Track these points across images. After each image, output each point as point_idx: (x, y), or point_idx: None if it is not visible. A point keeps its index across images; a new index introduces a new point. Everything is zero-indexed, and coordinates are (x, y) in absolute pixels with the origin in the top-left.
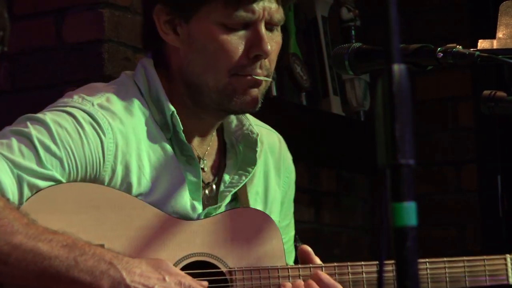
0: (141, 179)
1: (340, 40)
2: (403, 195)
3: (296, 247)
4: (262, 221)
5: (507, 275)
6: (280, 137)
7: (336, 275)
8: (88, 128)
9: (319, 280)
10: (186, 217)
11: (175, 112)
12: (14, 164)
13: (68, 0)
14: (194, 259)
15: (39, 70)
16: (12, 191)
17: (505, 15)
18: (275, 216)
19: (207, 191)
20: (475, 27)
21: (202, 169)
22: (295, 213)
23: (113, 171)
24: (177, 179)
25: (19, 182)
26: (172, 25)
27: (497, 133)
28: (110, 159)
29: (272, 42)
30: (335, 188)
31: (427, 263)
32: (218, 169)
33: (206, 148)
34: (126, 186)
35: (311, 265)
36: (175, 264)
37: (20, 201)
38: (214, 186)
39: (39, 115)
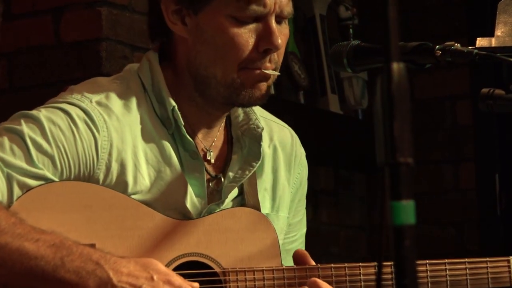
0: (137, 177)
1: (338, 38)
2: (402, 193)
3: None
4: (257, 221)
5: (510, 277)
6: (293, 132)
7: (333, 276)
8: (82, 126)
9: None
10: (185, 215)
11: (176, 107)
12: (4, 163)
13: None
14: (188, 259)
15: (37, 68)
16: (1, 190)
17: (503, 13)
18: (283, 213)
19: (213, 184)
20: (473, 25)
21: (209, 161)
22: None
23: (108, 169)
24: (176, 177)
25: (9, 181)
26: (180, 15)
27: (495, 131)
28: (105, 157)
29: (281, 35)
30: (333, 187)
31: (427, 265)
32: (226, 161)
33: (212, 140)
34: (122, 184)
35: (307, 266)
36: (168, 264)
37: (10, 200)
38: (218, 179)
39: (34, 112)
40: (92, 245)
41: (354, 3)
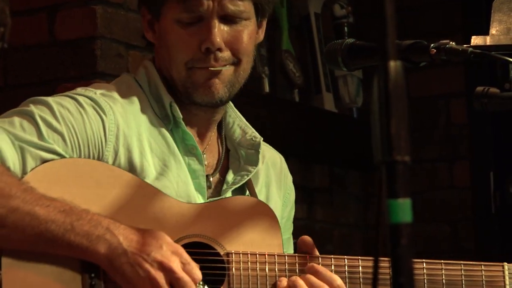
0: (143, 164)
1: (333, 36)
2: (399, 191)
3: None
4: (261, 210)
5: (504, 283)
6: (282, 157)
7: (333, 266)
8: (89, 109)
9: (316, 273)
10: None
11: (173, 101)
12: (15, 137)
13: None
14: (192, 239)
15: (32, 66)
16: (13, 161)
17: (498, 12)
18: None
19: (211, 180)
20: (468, 23)
21: (204, 164)
22: None
23: (116, 152)
24: (179, 168)
25: (22, 153)
26: (151, 24)
27: (489, 129)
28: (112, 139)
29: (230, 33)
30: (328, 185)
31: (424, 263)
32: (217, 166)
33: (205, 145)
34: (130, 169)
35: (307, 255)
36: None
37: (24, 171)
38: (215, 181)
39: (42, 97)
40: None
41: (349, 2)
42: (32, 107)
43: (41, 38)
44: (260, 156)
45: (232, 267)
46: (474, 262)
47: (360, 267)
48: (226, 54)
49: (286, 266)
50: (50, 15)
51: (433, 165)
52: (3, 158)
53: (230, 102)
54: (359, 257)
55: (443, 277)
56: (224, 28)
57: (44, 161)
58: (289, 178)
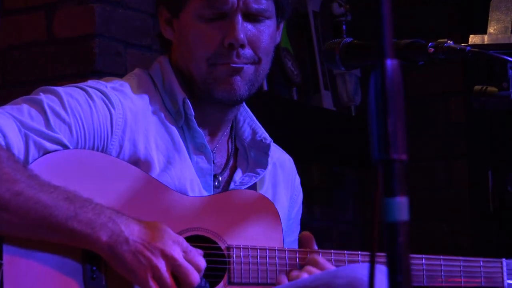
0: (147, 159)
1: (331, 35)
2: (396, 190)
3: None
4: (263, 204)
5: (502, 278)
6: (290, 158)
7: (333, 260)
8: (98, 101)
9: (316, 263)
10: None
11: (187, 98)
12: (22, 124)
13: None
14: (193, 233)
15: (30, 65)
16: (18, 148)
17: (496, 11)
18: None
19: (219, 179)
20: (466, 22)
21: (213, 162)
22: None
23: (121, 146)
24: (185, 165)
25: (26, 140)
26: (170, 23)
27: (488, 128)
28: (118, 133)
29: (252, 31)
30: (326, 183)
31: (424, 259)
32: (226, 166)
33: (215, 144)
34: (133, 163)
35: (308, 250)
36: None
37: (26, 159)
38: (223, 180)
39: (53, 87)
40: None
41: (347, 0)
42: (42, 96)
43: (40, 36)
44: (269, 158)
45: (233, 261)
46: (473, 258)
47: (360, 262)
48: (248, 51)
49: (287, 261)
50: (48, 13)
51: (431, 164)
52: (8, 144)
53: None
54: (359, 252)
55: (442, 272)
56: (247, 26)
57: (47, 152)
58: (297, 179)
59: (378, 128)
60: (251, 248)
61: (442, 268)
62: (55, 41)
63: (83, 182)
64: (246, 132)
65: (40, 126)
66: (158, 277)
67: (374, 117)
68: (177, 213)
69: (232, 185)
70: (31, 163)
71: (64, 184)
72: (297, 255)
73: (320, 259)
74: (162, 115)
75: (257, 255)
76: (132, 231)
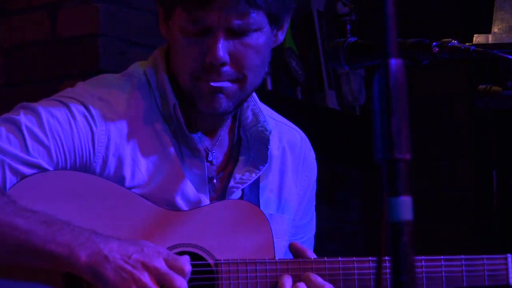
0: (135, 172)
1: (336, 34)
2: (400, 189)
3: None
4: (251, 214)
5: (506, 275)
6: (303, 135)
7: (327, 269)
8: (80, 119)
9: (309, 281)
10: (178, 210)
11: (177, 105)
12: None
13: None
14: (180, 249)
15: (34, 64)
16: None
17: (500, 10)
18: (287, 215)
19: (214, 183)
20: (469, 21)
21: (211, 161)
22: None
23: (105, 162)
24: (174, 172)
25: (1, 165)
26: (167, 21)
27: (492, 127)
28: (102, 150)
29: (237, 47)
30: (330, 183)
31: (423, 261)
32: (228, 162)
33: (215, 141)
34: (119, 178)
35: (300, 260)
36: None
37: (4, 184)
38: (222, 179)
39: (34, 104)
40: None
41: None
42: (22, 116)
43: (43, 35)
44: (277, 140)
45: (221, 277)
46: (476, 256)
47: (355, 269)
48: (230, 70)
49: (278, 273)
50: (52, 13)
51: (435, 163)
52: None
53: None
54: (354, 259)
55: (443, 274)
56: (231, 42)
57: (24, 177)
58: (311, 157)
59: (382, 128)
60: (239, 262)
61: (443, 269)
62: (58, 41)
63: (63, 204)
64: (249, 119)
65: (17, 150)
66: None
67: (378, 117)
68: (162, 230)
69: (231, 183)
70: (9, 188)
71: (44, 206)
72: (288, 266)
73: (313, 276)
74: (154, 121)
75: (246, 269)
76: (111, 248)
